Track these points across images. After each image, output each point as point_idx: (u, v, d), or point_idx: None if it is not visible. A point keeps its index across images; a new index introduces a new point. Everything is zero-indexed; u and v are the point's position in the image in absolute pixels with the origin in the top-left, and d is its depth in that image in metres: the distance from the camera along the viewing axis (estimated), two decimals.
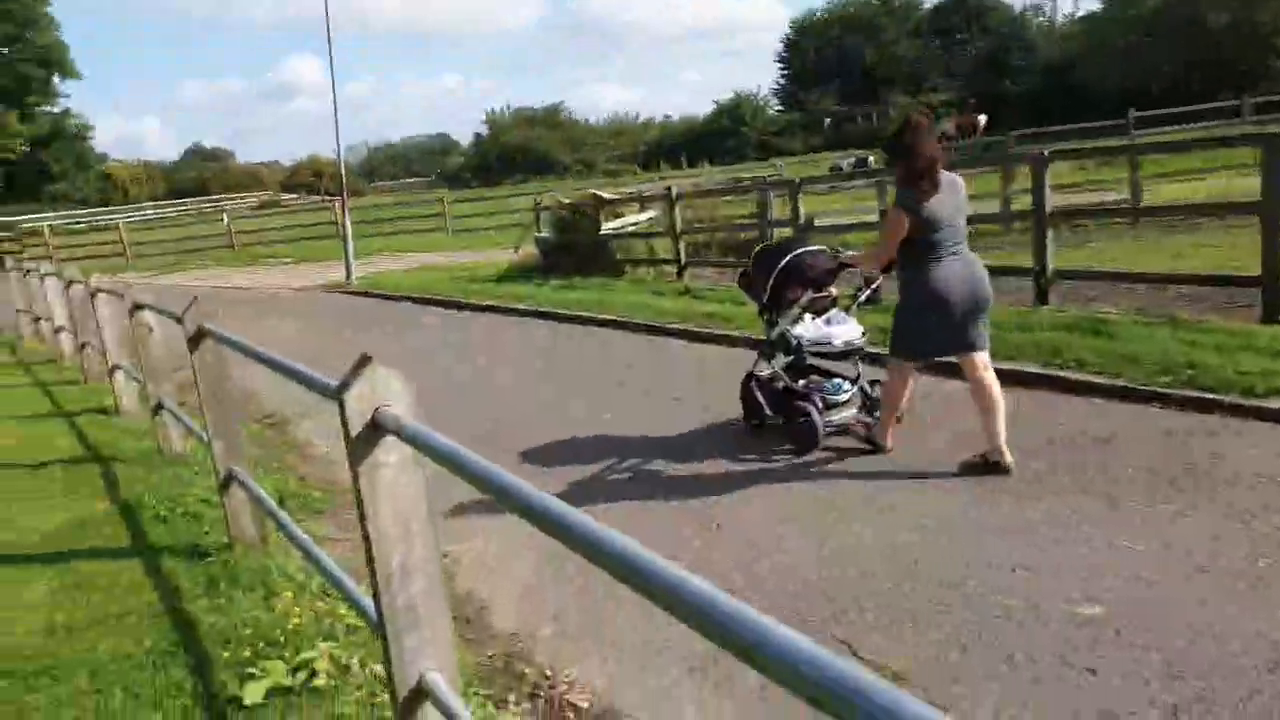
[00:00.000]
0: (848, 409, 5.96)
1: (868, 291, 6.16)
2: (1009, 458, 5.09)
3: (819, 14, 72.16)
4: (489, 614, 4.21)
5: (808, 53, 71.14)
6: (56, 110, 37.52)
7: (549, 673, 3.62)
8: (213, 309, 4.53)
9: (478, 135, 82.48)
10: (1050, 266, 9.10)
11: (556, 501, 1.52)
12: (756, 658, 1.00)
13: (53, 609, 4.22)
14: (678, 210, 14.03)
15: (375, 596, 2.33)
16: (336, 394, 2.12)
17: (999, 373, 6.71)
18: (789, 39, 73.33)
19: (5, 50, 35.14)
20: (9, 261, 18.30)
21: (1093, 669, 3.23)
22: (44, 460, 6.93)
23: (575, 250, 15.76)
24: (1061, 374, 6.64)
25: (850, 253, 6.28)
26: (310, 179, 68.77)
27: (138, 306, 6.38)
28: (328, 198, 44.29)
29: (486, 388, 8.60)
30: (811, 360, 6.08)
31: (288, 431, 7.83)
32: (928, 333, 5.23)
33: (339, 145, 19.89)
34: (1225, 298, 8.66)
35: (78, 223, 44.84)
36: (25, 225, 39.15)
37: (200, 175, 73.70)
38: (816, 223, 11.91)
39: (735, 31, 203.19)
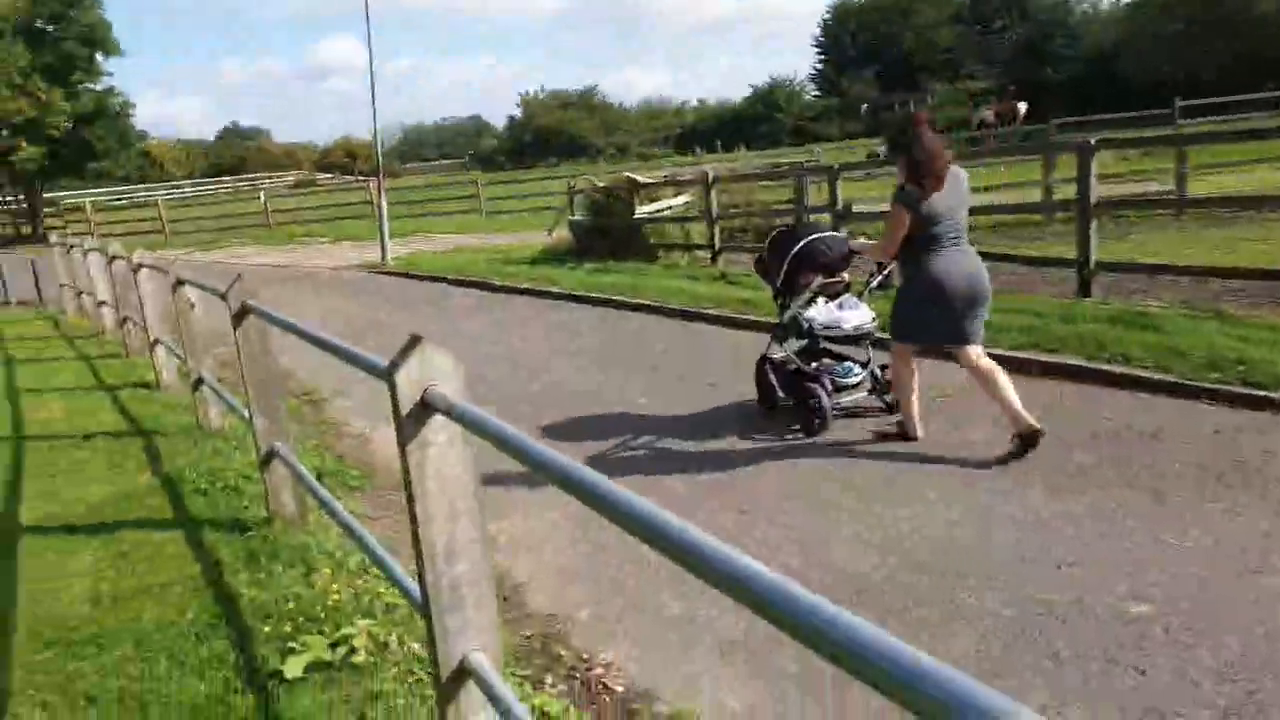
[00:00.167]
0: (858, 392, 6.16)
1: (879, 278, 6.20)
2: (1035, 422, 5.11)
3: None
4: (525, 593, 4.21)
5: (845, 38, 70.47)
6: (99, 88, 37.81)
7: (585, 655, 3.62)
8: (253, 286, 4.55)
9: (511, 118, 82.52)
10: (1094, 258, 8.96)
11: (609, 482, 1.50)
12: (824, 644, 0.97)
13: (98, 579, 4.28)
14: (714, 194, 13.94)
15: (420, 576, 2.33)
16: (387, 374, 2.12)
17: (1041, 365, 6.72)
18: (826, 24, 72.64)
19: (51, 29, 35.48)
20: (53, 237, 18.52)
21: (1141, 668, 3.18)
22: (88, 433, 7.03)
23: (609, 234, 15.71)
24: (1106, 368, 6.54)
25: (860, 241, 6.38)
26: (344, 160, 69.13)
27: (180, 282, 6.43)
28: (362, 178, 44.49)
29: (521, 370, 8.61)
30: (824, 344, 6.20)
31: (324, 409, 7.88)
32: (928, 324, 5.34)
33: (375, 126, 19.93)
34: (1269, 293, 8.50)
35: (118, 199, 45.39)
36: (68, 202, 39.64)
37: (237, 154, 74.36)
38: (855, 208, 11.78)
39: (770, 17, 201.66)
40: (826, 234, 6.34)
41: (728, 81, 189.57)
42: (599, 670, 3.50)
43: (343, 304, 14.37)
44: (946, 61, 64.30)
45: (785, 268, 6.17)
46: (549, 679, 3.45)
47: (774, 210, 15.21)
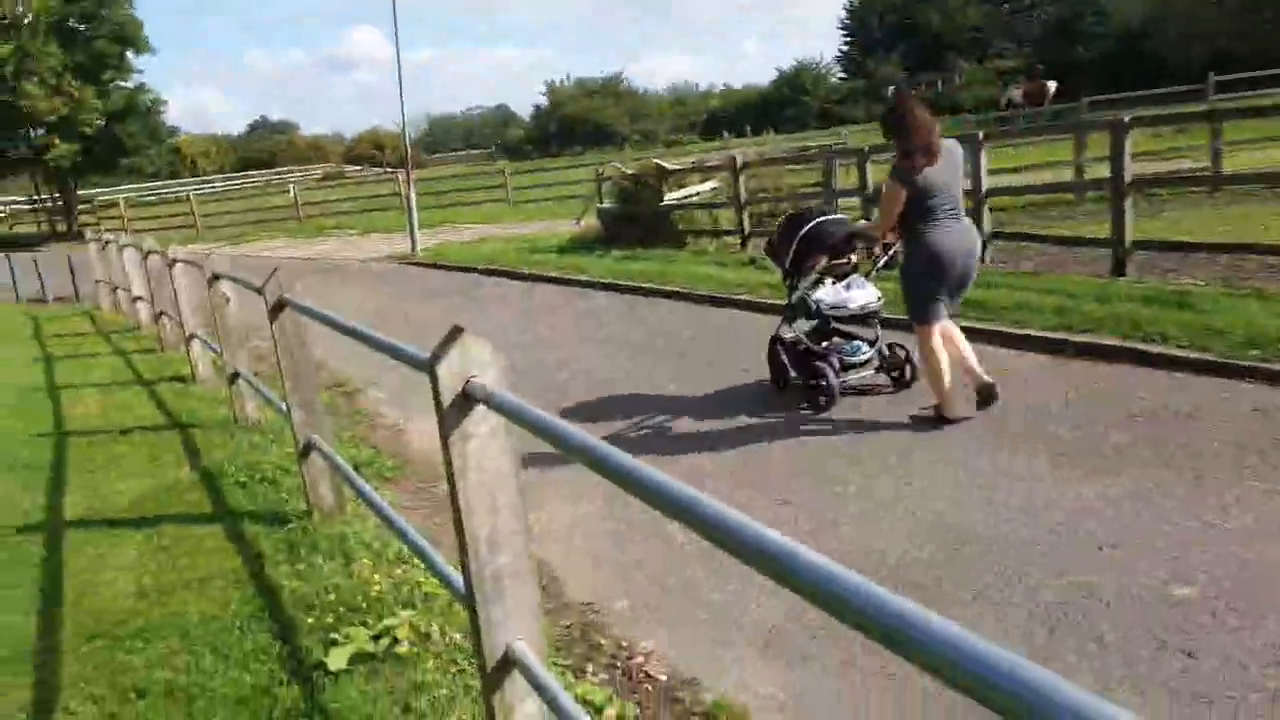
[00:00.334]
0: (865, 369, 6.37)
1: (884, 258, 6.33)
2: (988, 377, 5.49)
3: None
4: (562, 583, 4.22)
5: (872, 19, 69.78)
6: (130, 85, 38.16)
7: (625, 644, 3.63)
8: (288, 280, 4.58)
9: (537, 107, 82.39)
10: (1129, 237, 8.86)
11: (654, 471, 1.49)
12: (899, 643, 0.95)
13: (140, 572, 4.34)
14: (742, 180, 13.88)
15: (463, 567, 2.34)
16: (429, 366, 2.12)
17: (1076, 345, 6.68)
18: (852, 5, 71.95)
19: (82, 27, 35.83)
20: (88, 233, 18.76)
21: (1188, 651, 3.14)
22: (126, 428, 7.11)
23: (637, 221, 15.68)
24: (1142, 347, 6.46)
25: (861, 223, 6.63)
26: (371, 151, 69.36)
27: (216, 277, 6.48)
28: (389, 170, 44.64)
29: (549, 357, 8.62)
30: (832, 323, 6.37)
31: (356, 400, 7.94)
32: (937, 296, 5.52)
33: (403, 119, 20.02)
34: None
35: (150, 195, 45.86)
36: (102, 198, 40.11)
37: (267, 148, 74.82)
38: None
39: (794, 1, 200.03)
40: (831, 217, 6.58)
41: (754, 66, 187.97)
42: (640, 659, 3.51)
43: (374, 295, 14.46)
44: (974, 41, 63.46)
45: (793, 250, 6.39)
46: (590, 668, 3.46)
47: (802, 194, 15.11)
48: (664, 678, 3.37)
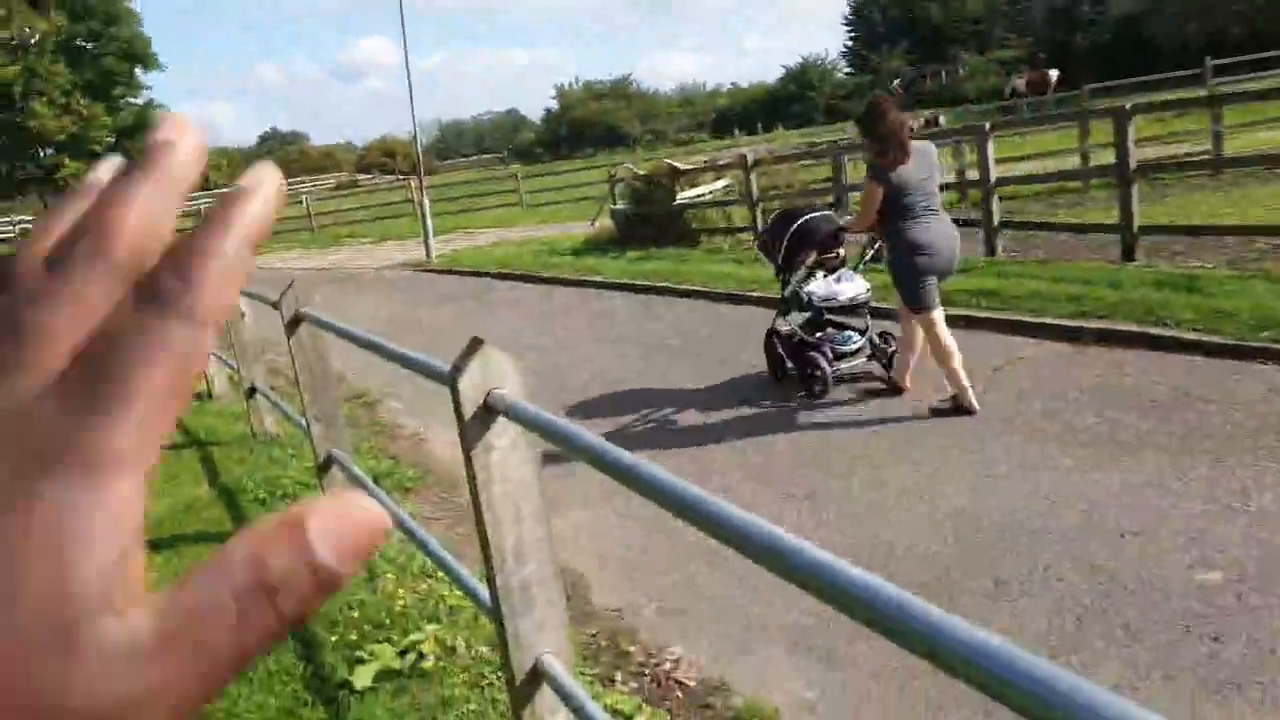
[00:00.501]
0: (858, 358, 6.59)
1: (871, 251, 6.54)
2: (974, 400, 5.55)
3: None
4: (587, 589, 4.19)
5: (875, 14, 69.59)
6: (140, 102, 38.45)
7: (653, 651, 3.60)
8: (304, 291, 4.57)
9: (548, 110, 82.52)
10: (1137, 223, 8.90)
11: (681, 482, 1.46)
12: (922, 647, 0.93)
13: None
14: (753, 177, 13.84)
15: (490, 580, 2.31)
16: (450, 379, 2.10)
17: (1094, 332, 6.65)
18: (855, 1, 71.79)
19: (91, 46, 36.12)
20: None
21: (1216, 636, 3.10)
22: None
23: (651, 221, 15.66)
24: (1157, 331, 6.45)
25: (846, 219, 6.85)
26: (383, 159, 69.57)
27: None
28: (401, 177, 44.78)
29: (564, 360, 8.60)
30: (825, 315, 6.63)
31: (375, 410, 7.93)
32: (924, 282, 5.67)
33: (414, 124, 20.01)
34: None
35: None
36: None
37: (278, 159, 75.06)
38: None
39: None
40: (819, 213, 6.88)
41: (759, 63, 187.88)
42: (668, 665, 3.48)
43: (388, 303, 14.47)
44: (976, 32, 63.26)
45: (785, 246, 6.67)
46: (619, 676, 3.43)
47: (814, 190, 15.06)
48: (693, 683, 3.34)
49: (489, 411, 2.12)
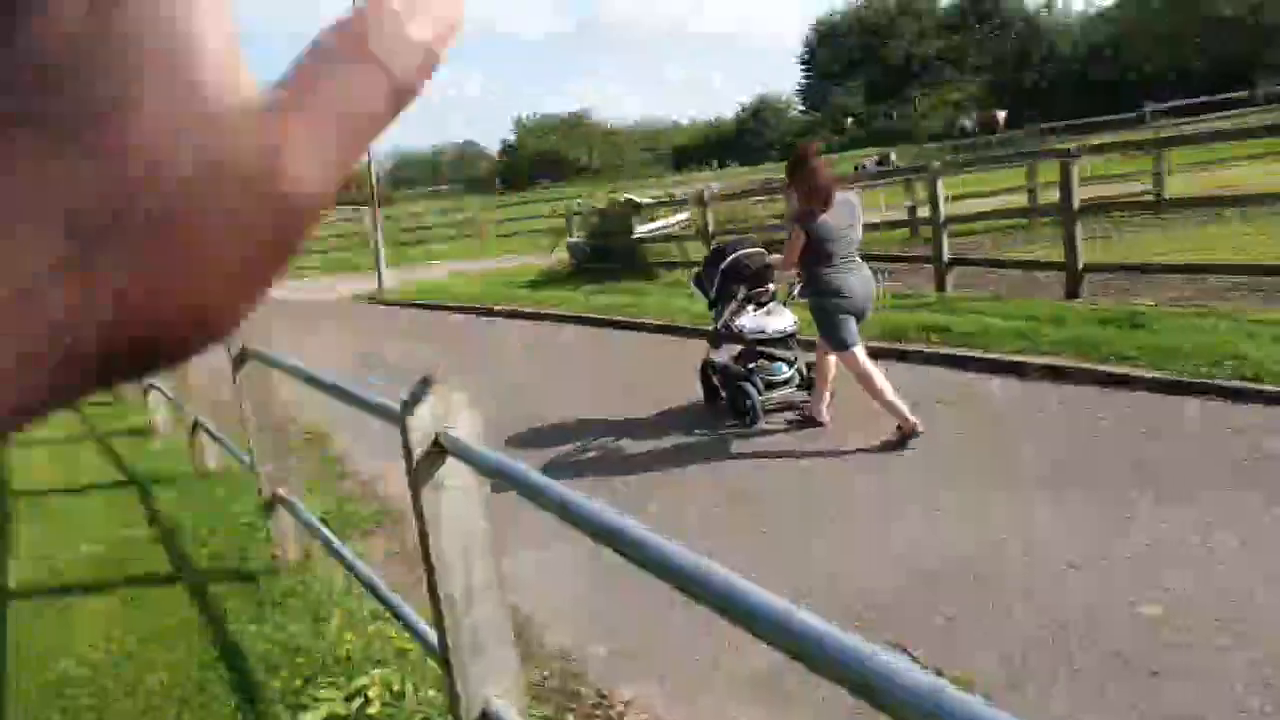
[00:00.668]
0: (787, 388, 6.79)
1: (799, 286, 6.64)
2: (915, 421, 5.59)
3: (836, 15, 71.83)
4: (538, 630, 4.10)
5: (828, 53, 70.73)
6: None
7: (605, 693, 3.52)
8: (254, 325, 4.46)
9: (505, 142, 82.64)
10: (1081, 260, 9.10)
11: (640, 527, 1.42)
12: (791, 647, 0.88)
13: (99, 637, 4.17)
14: (709, 212, 13.91)
15: (438, 623, 2.24)
16: (399, 418, 2.03)
17: (1038, 368, 6.73)
18: (809, 40, 72.95)
19: None
20: None
21: (1155, 671, 3.10)
22: (84, 484, 6.91)
23: (608, 255, 15.69)
24: (1101, 368, 6.54)
25: (775, 256, 6.98)
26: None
27: None
28: (357, 208, 44.46)
29: (520, 395, 8.49)
30: (756, 347, 6.83)
31: (328, 445, 7.76)
32: (844, 322, 5.86)
33: (368, 154, 19.90)
34: (1253, 287, 8.51)
35: None
36: None
37: None
38: None
39: (754, 34, 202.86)
40: (749, 250, 7.07)
41: (718, 99, 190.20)
42: (620, 707, 3.40)
43: (340, 335, 14.27)
44: (927, 71, 64.57)
45: (717, 281, 6.92)
46: (569, 719, 3.34)
47: (770, 225, 15.16)
48: None
49: (439, 451, 2.05)
